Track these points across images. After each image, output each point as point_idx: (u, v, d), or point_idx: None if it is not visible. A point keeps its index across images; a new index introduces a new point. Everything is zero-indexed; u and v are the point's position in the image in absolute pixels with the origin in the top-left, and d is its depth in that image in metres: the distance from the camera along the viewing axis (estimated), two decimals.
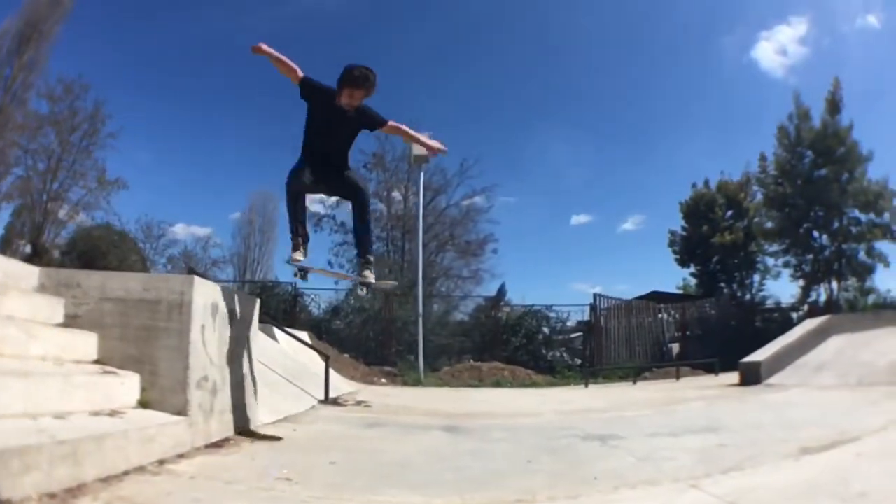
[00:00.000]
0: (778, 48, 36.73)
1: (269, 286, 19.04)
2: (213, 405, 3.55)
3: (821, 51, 31.50)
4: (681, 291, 25.45)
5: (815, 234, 21.33)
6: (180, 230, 35.33)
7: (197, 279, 3.57)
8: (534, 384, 13.29)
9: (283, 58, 4.07)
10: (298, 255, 4.18)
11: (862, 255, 20.82)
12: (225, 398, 3.75)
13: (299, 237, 4.16)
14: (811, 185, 20.46)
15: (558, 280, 38.64)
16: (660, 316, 18.63)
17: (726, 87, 36.16)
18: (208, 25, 35.79)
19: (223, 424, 3.68)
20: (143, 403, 3.03)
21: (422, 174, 16.54)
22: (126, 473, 2.46)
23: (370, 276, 4.00)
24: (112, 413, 2.71)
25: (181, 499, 2.32)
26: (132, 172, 30.01)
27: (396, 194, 23.93)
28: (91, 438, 2.31)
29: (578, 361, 16.62)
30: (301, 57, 4.10)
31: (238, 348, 4.12)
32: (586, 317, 17.21)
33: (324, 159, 4.14)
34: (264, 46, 3.96)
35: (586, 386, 12.49)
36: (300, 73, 4.06)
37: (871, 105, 32.38)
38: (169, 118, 36.55)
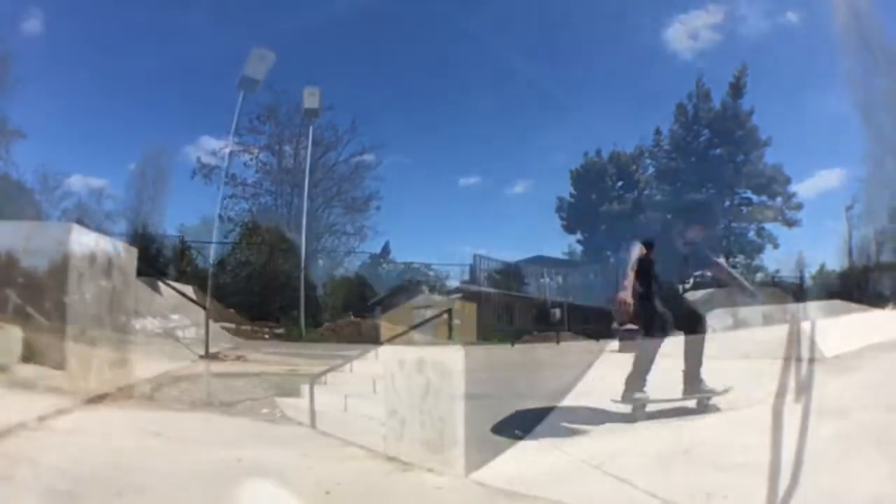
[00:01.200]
0: (690, 32, 38.81)
1: (157, 239, 18.37)
2: (92, 360, 3.68)
3: (734, 39, 33.51)
4: (567, 257, 27.13)
5: None
6: (77, 181, 32.61)
7: (75, 227, 3.65)
8: (411, 342, 13.93)
9: None
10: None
11: (752, 235, 22.98)
12: (105, 353, 3.88)
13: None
14: (705, 163, 22.23)
15: (446, 241, 39.45)
16: (542, 280, 19.75)
17: (632, 63, 37.75)
18: None
19: (102, 380, 3.82)
20: (28, 357, 3.12)
21: (311, 129, 16.42)
22: (9, 430, 2.63)
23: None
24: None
25: (57, 452, 2.55)
26: (31, 121, 28.01)
27: (288, 148, 23.65)
28: None
29: (458, 322, 17.55)
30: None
31: (117, 300, 4.22)
32: (467, 277, 18.00)
33: None
34: None
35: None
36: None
37: (777, 98, 35.16)
38: (69, 65, 32.99)
